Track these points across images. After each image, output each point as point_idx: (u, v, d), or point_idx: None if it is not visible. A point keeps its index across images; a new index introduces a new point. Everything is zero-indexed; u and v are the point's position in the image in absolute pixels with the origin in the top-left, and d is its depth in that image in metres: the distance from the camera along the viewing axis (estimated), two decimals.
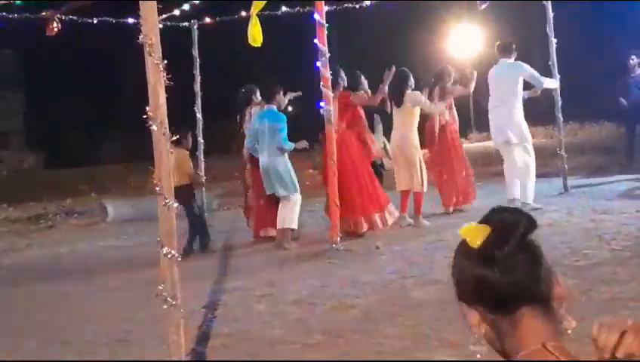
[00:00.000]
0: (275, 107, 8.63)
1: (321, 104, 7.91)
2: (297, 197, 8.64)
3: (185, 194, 8.47)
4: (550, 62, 10.43)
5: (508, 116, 9.04)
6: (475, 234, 1.43)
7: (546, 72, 10.27)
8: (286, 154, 8.57)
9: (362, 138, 8.81)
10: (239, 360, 4.60)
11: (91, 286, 7.50)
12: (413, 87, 9.17)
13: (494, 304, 1.43)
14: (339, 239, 7.80)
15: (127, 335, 5.39)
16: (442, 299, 5.27)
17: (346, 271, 6.82)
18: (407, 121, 9.04)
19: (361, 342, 4.65)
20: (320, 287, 6.25)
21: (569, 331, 1.42)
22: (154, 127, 3.79)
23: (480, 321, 1.46)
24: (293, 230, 8.60)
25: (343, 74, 8.77)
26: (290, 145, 8.51)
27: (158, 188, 3.79)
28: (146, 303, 5.94)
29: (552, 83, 9.93)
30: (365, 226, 8.53)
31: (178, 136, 8.55)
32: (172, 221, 3.82)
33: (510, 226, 1.42)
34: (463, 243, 1.46)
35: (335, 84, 8.34)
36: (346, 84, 8.77)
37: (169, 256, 3.79)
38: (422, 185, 8.98)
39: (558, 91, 10.42)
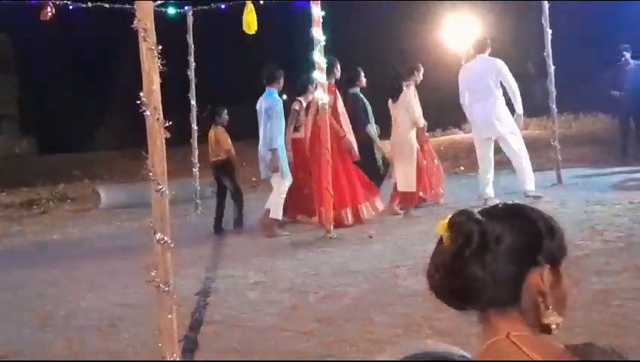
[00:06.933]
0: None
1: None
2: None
3: None
4: (545, 53, 10.43)
5: (490, 109, 8.79)
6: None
7: (542, 62, 10.26)
8: None
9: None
10: (231, 347, 4.60)
11: (83, 272, 7.50)
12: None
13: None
14: (332, 228, 7.82)
15: (118, 321, 5.39)
16: None
17: (338, 259, 6.82)
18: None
19: (353, 329, 4.66)
20: (312, 275, 6.26)
21: (553, 326, 1.38)
22: (147, 113, 3.77)
23: None
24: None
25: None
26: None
27: (151, 175, 3.78)
28: (138, 289, 5.94)
29: (518, 99, 8.94)
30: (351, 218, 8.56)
31: None
32: (165, 207, 3.81)
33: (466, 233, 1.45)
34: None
35: None
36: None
37: (162, 242, 3.78)
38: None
39: (552, 82, 10.42)
